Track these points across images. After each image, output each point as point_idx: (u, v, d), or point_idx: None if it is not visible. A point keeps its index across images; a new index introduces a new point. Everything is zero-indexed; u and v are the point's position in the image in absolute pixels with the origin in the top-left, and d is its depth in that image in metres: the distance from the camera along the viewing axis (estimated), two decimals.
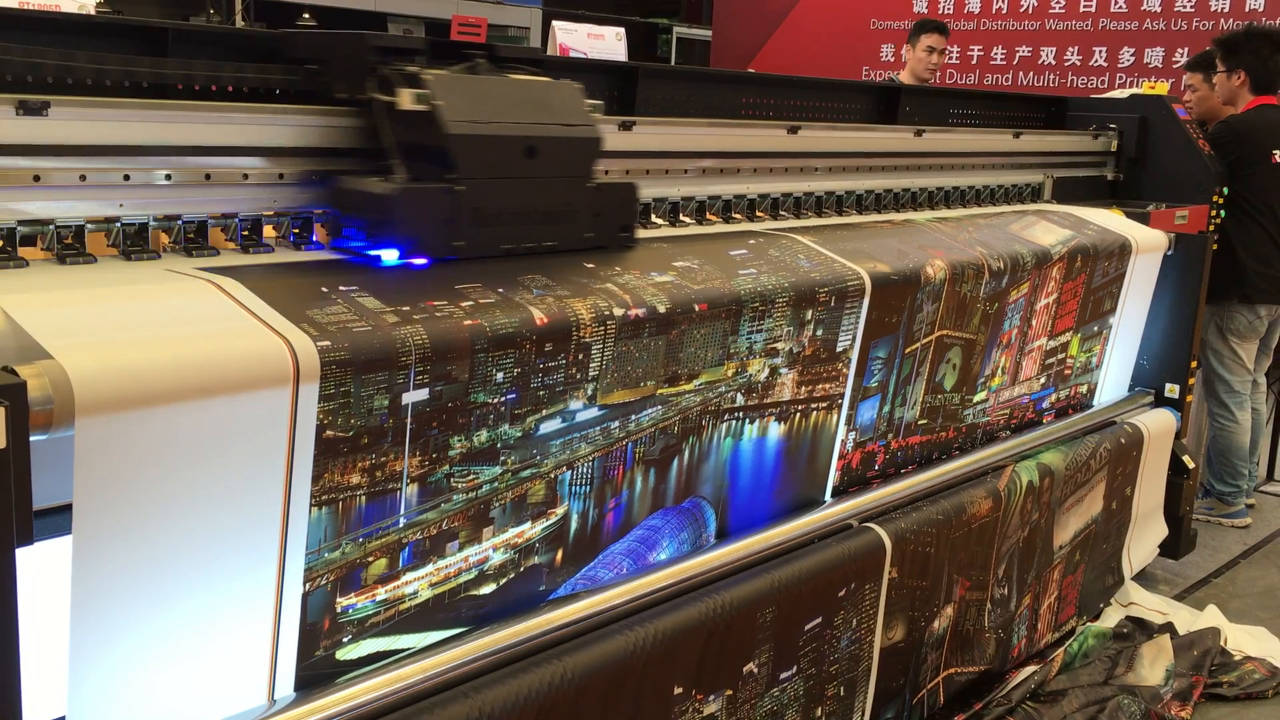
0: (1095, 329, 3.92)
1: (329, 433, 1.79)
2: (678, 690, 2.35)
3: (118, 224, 1.96)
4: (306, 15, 8.59)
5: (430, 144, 2.11)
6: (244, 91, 2.20)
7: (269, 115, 2.13)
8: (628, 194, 2.49)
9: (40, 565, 1.62)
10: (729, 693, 2.48)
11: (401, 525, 1.96)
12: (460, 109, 2.12)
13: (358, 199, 2.13)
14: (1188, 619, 4.03)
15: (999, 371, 3.49)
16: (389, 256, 2.10)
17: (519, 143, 2.20)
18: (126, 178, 1.95)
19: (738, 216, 3.07)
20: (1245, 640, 3.93)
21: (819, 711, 2.76)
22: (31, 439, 1.47)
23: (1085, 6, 8.22)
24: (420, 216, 2.08)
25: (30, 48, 1.91)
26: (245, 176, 2.10)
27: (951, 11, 8.99)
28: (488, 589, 2.14)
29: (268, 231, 2.17)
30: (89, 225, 1.93)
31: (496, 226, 2.19)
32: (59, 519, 1.61)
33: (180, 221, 2.03)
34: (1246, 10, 7.59)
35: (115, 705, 1.67)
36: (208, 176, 2.05)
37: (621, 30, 6.63)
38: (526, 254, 2.25)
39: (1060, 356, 3.80)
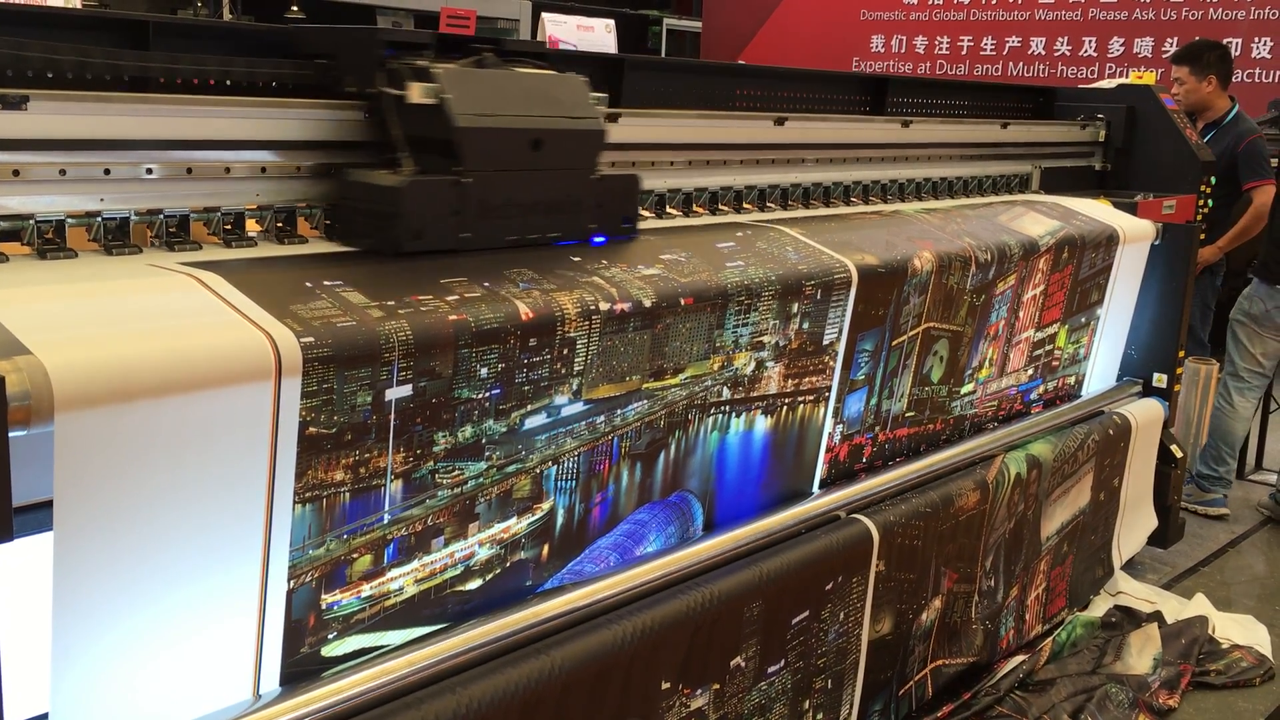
0: (1083, 320, 3.92)
1: (312, 429, 1.78)
2: (665, 684, 2.35)
3: (99, 219, 1.95)
4: (295, 8, 8.54)
5: (439, 137, 2.12)
6: (258, 86, 2.18)
7: (275, 109, 2.14)
8: (630, 185, 2.51)
9: (21, 561, 1.61)
10: (716, 686, 2.48)
11: (386, 521, 1.95)
12: (468, 102, 2.12)
13: (363, 191, 2.13)
14: (1176, 608, 4.04)
15: (986, 363, 3.49)
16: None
17: (525, 135, 2.22)
18: (107, 171, 1.94)
19: (724, 208, 3.06)
20: (1233, 629, 3.94)
21: (806, 704, 2.77)
22: (10, 435, 1.46)
23: None
24: (428, 209, 2.09)
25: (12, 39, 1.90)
26: (228, 170, 2.10)
27: (941, 2, 8.99)
28: (473, 585, 2.14)
29: (250, 225, 2.16)
30: (70, 220, 1.92)
31: (502, 219, 2.20)
32: (40, 515, 1.60)
33: (162, 215, 2.02)
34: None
35: (98, 701, 1.66)
36: (189, 170, 2.04)
37: (611, 22, 6.63)
38: (531, 245, 2.26)
39: (1048, 348, 3.80)
